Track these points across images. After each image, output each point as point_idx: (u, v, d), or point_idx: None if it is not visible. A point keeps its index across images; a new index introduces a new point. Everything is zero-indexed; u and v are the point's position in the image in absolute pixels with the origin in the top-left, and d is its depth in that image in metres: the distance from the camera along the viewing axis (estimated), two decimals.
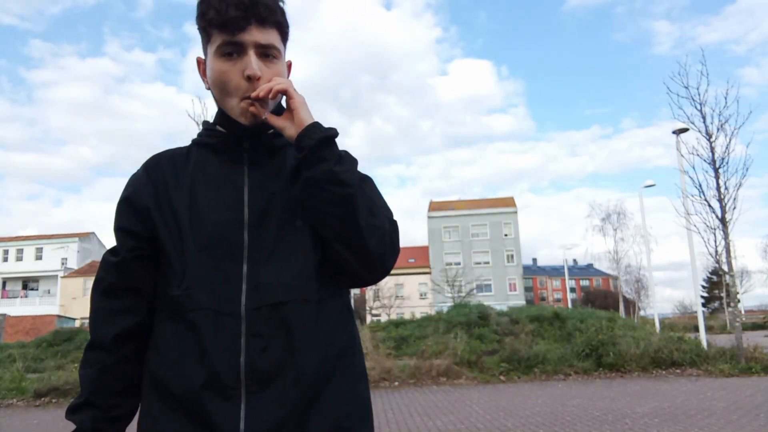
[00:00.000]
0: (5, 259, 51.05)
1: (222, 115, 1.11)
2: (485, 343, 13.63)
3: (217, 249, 1.02)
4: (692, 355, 11.73)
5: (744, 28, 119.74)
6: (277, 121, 1.06)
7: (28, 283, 50.54)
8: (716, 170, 11.88)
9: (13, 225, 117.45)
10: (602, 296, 55.47)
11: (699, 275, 28.94)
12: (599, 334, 12.76)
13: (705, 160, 12.06)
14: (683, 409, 7.17)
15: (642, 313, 43.30)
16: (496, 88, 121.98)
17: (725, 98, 11.73)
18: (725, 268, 12.03)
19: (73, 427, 1.04)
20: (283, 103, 1.07)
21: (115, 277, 1.10)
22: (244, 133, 1.09)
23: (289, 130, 1.04)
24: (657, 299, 50.57)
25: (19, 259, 51.05)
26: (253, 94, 1.02)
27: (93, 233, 54.71)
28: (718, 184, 11.84)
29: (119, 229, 1.12)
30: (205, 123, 1.16)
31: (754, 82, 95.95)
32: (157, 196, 1.09)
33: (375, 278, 1.07)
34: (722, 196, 11.76)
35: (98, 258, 52.14)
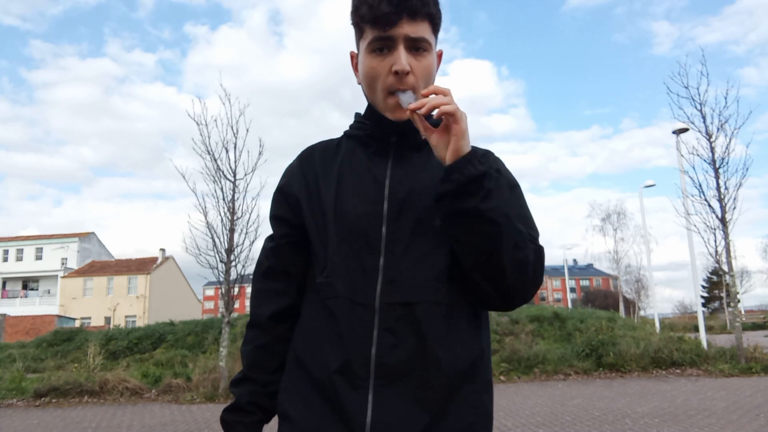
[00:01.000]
0: (5, 259, 51.02)
1: (370, 109, 1.12)
2: None
3: (356, 240, 1.04)
4: (692, 355, 11.73)
5: (743, 29, 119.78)
6: (431, 137, 0.99)
7: (28, 283, 50.51)
8: (716, 170, 11.88)
9: (14, 225, 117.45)
10: (602, 296, 55.43)
11: (699, 275, 28.97)
12: (599, 334, 12.77)
13: (705, 160, 12.06)
14: (683, 409, 7.17)
15: (642, 313, 43.29)
16: (496, 88, 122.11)
17: (725, 98, 11.73)
18: (725, 268, 12.02)
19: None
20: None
21: (271, 261, 1.17)
22: (390, 127, 1.09)
23: (441, 151, 0.97)
24: (657, 299, 50.56)
25: (19, 259, 51.02)
26: (413, 106, 0.95)
27: (93, 233, 54.69)
28: (718, 184, 11.84)
29: (273, 217, 1.19)
30: (357, 115, 1.18)
31: (753, 83, 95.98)
32: (307, 186, 1.13)
33: (511, 308, 1.05)
34: (722, 196, 11.76)
35: (98, 258, 52.17)
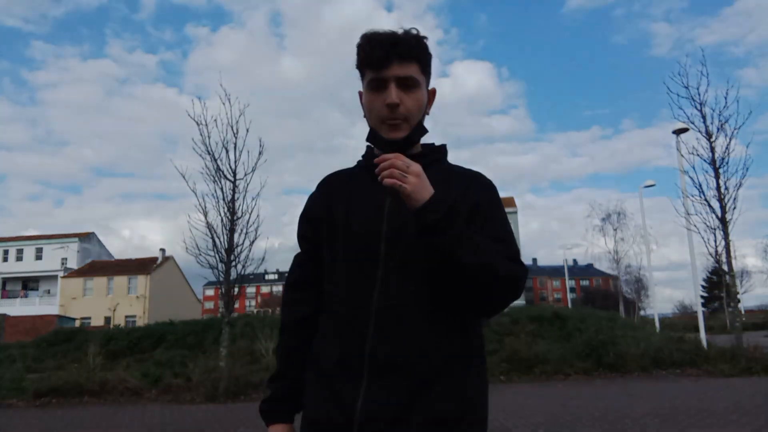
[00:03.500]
0: (5, 259, 51.03)
1: (373, 134, 1.31)
2: (485, 342, 13.59)
3: (359, 255, 1.24)
4: (692, 355, 11.73)
5: (742, 30, 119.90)
6: (405, 191, 1.16)
7: (28, 283, 50.51)
8: (716, 170, 11.88)
9: (15, 225, 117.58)
10: (602, 296, 55.41)
11: (699, 275, 28.97)
12: (599, 334, 12.76)
13: (705, 160, 12.07)
14: (683, 409, 7.17)
15: (642, 313, 43.30)
16: (496, 89, 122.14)
17: (725, 98, 11.73)
18: (725, 268, 12.02)
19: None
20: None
21: (296, 274, 1.41)
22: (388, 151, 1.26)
23: (410, 200, 1.16)
24: (657, 299, 50.60)
25: (19, 259, 51.04)
26: (380, 168, 1.16)
27: (93, 233, 54.71)
28: (718, 184, 11.84)
29: (299, 236, 1.42)
30: (367, 147, 1.39)
31: (753, 83, 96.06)
32: (325, 207, 1.34)
33: (490, 317, 1.26)
34: (722, 196, 11.76)
35: (98, 258, 52.19)
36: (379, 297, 1.20)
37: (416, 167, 1.16)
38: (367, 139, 1.34)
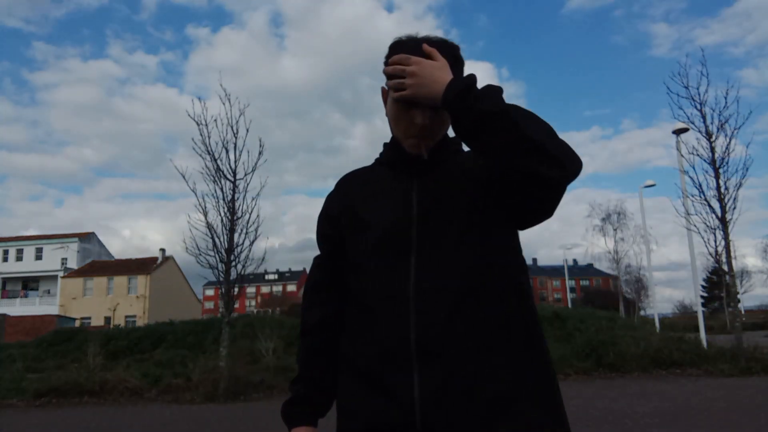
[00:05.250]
0: (5, 259, 51.01)
1: (394, 140, 1.30)
2: None
3: (390, 244, 1.18)
4: (692, 355, 11.72)
5: (742, 31, 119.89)
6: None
7: (28, 283, 50.48)
8: (716, 170, 11.87)
9: (15, 225, 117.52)
10: (602, 296, 55.37)
11: (699, 275, 28.98)
12: (599, 334, 12.76)
13: (705, 160, 12.06)
14: (683, 409, 7.17)
15: (642, 313, 43.25)
16: None
17: (725, 98, 11.73)
18: (725, 268, 12.02)
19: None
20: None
21: (317, 276, 1.37)
22: (413, 155, 1.25)
23: (424, 98, 1.15)
24: (657, 299, 50.59)
25: (19, 259, 51.01)
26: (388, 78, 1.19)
27: (93, 233, 54.68)
28: (718, 184, 11.83)
29: (319, 236, 1.38)
30: (384, 144, 1.35)
31: (752, 84, 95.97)
32: (343, 205, 1.30)
33: (564, 174, 1.06)
34: (722, 196, 11.75)
35: (98, 258, 52.14)
36: (416, 282, 1.14)
37: (415, 60, 1.14)
38: (389, 147, 1.32)
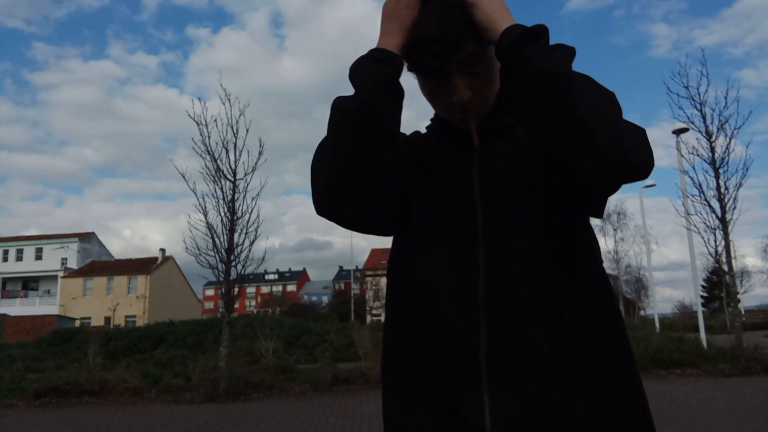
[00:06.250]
0: (5, 259, 51.02)
1: (438, 115, 1.10)
2: None
3: (453, 231, 0.99)
4: (692, 355, 11.71)
5: (741, 31, 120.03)
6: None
7: (28, 283, 50.50)
8: (716, 170, 11.87)
9: (16, 225, 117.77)
10: None
11: (699, 275, 28.97)
12: None
13: (705, 160, 12.05)
14: (683, 409, 7.17)
15: (642, 313, 43.30)
16: None
17: (725, 98, 11.73)
18: (725, 268, 12.02)
19: None
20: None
21: None
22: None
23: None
24: (657, 299, 50.55)
25: (19, 259, 51.02)
26: None
27: (93, 233, 54.70)
28: (718, 184, 11.83)
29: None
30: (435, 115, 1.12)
31: (752, 84, 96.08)
32: (411, 167, 1.06)
33: (604, 171, 0.84)
34: (722, 196, 11.75)
35: (98, 258, 52.12)
36: (487, 281, 0.94)
37: None
38: (435, 122, 1.12)
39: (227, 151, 11.32)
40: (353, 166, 0.93)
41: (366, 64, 0.98)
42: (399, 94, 0.98)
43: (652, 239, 40.20)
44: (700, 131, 12.13)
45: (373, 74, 0.96)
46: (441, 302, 0.96)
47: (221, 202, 11.16)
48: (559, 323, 0.92)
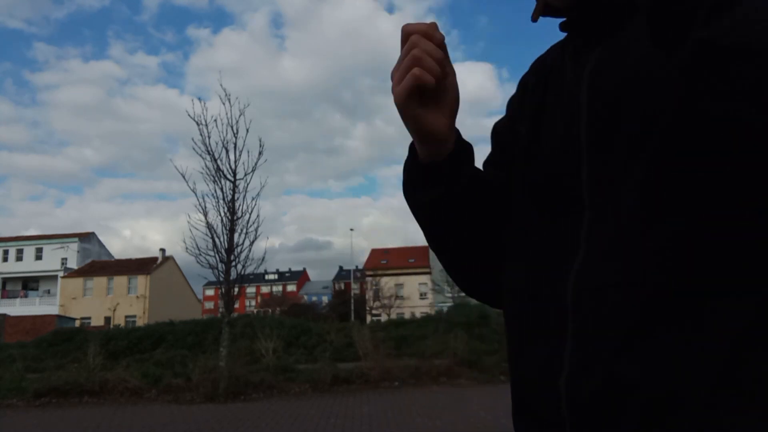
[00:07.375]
0: (5, 259, 51.01)
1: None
2: (485, 343, 13.62)
3: (546, 194, 0.67)
4: None
5: None
6: None
7: (28, 283, 50.50)
8: None
9: (16, 225, 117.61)
10: None
11: None
12: None
13: None
14: None
15: None
16: (497, 90, 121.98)
17: None
18: None
19: None
20: None
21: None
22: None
23: None
24: None
25: (19, 259, 51.02)
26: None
27: (93, 233, 54.72)
28: None
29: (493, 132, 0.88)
30: None
31: None
32: (517, 111, 0.80)
33: None
34: None
35: (98, 258, 52.12)
36: (580, 274, 0.60)
37: None
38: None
39: (227, 151, 11.35)
40: (466, 277, 0.82)
41: (407, 188, 0.77)
42: (460, 196, 0.73)
43: None
44: None
45: (420, 210, 0.77)
46: (521, 308, 0.68)
47: (221, 202, 11.18)
48: (680, 345, 0.55)
